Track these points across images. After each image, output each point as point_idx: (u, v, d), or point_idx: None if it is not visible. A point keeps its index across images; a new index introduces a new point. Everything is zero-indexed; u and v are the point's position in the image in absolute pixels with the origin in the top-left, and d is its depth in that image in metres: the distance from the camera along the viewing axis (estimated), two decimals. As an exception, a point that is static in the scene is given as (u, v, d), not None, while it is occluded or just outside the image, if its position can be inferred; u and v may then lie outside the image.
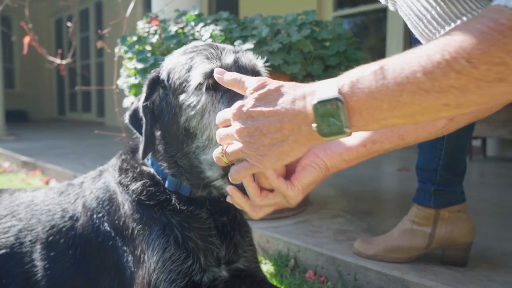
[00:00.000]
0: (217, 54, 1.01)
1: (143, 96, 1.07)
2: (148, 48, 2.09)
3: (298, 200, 0.92)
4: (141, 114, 1.05)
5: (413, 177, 3.58)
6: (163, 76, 1.08)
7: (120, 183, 1.20)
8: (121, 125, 2.20)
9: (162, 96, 1.09)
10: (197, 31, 1.97)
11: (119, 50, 2.21)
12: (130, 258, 1.15)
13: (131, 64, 2.11)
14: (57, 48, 13.27)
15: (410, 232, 1.59)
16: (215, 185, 1.06)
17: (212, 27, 1.94)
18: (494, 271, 1.52)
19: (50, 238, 1.30)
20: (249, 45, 1.82)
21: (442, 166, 1.52)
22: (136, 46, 2.14)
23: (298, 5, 6.62)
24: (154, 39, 2.02)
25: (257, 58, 1.07)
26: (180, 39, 1.94)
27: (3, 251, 1.34)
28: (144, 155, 1.08)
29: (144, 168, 1.19)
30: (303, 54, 1.91)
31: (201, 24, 2.00)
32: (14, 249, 1.34)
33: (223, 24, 1.98)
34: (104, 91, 11.41)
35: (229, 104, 0.94)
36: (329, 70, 1.97)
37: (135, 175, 1.18)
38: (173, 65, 1.07)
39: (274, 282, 1.68)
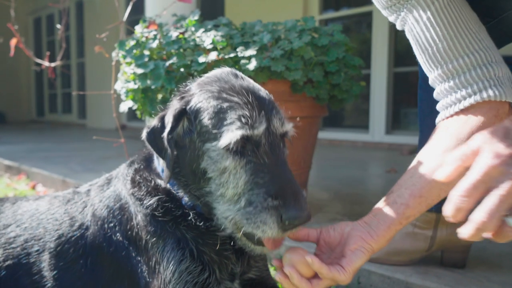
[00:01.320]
0: (251, 116, 0.96)
1: (168, 126, 1.02)
2: (147, 52, 2.08)
3: (349, 282, 1.00)
4: (165, 144, 1.02)
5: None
6: (191, 111, 1.04)
7: (133, 195, 1.19)
8: (116, 128, 2.17)
9: (186, 130, 1.05)
10: (198, 37, 1.97)
11: (117, 54, 2.19)
12: (144, 268, 1.15)
13: (130, 69, 2.10)
14: (35, 48, 12.95)
15: (412, 235, 1.63)
16: (230, 234, 1.06)
17: (213, 32, 1.94)
18: (492, 272, 1.58)
19: (59, 248, 1.28)
20: (252, 51, 1.84)
21: None
22: (134, 51, 2.13)
23: (284, 8, 6.68)
24: (154, 44, 2.01)
25: (285, 119, 1.05)
26: (181, 45, 1.94)
27: (9, 261, 1.31)
28: (167, 182, 1.07)
29: (159, 181, 1.16)
30: (304, 60, 1.93)
31: (202, 30, 2.00)
32: (21, 259, 1.32)
33: (224, 30, 1.98)
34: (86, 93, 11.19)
35: (252, 175, 0.95)
36: (329, 76, 2.01)
37: (149, 189, 1.16)
38: (203, 106, 1.02)
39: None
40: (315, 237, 1.13)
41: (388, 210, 1.07)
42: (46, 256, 1.30)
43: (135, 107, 2.27)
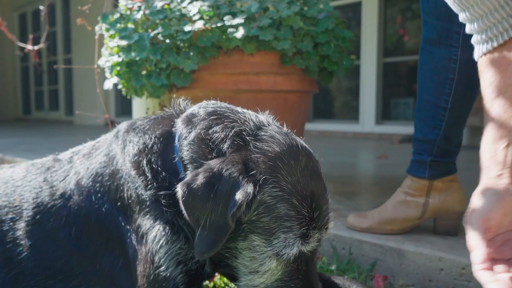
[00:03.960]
0: (310, 234, 0.95)
1: (236, 205, 0.89)
2: (131, 26, 2.02)
3: None
4: (229, 222, 0.90)
5: (393, 163, 3.65)
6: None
7: (137, 176, 1.08)
8: (104, 124, 2.10)
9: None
10: (184, 7, 1.92)
11: (100, 28, 2.12)
12: (133, 236, 1.09)
13: (113, 43, 2.03)
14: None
15: (404, 203, 1.60)
16: None
17: (200, 2, 1.89)
18: (485, 239, 1.55)
19: (38, 216, 1.21)
20: (239, 19, 1.79)
21: (441, 137, 1.52)
22: (118, 25, 2.06)
23: None
24: (139, 15, 1.94)
25: (332, 225, 1.02)
26: (167, 15, 1.88)
27: None
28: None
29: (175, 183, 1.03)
30: (293, 31, 1.89)
31: (188, 0, 1.95)
32: None
33: (210, 0, 1.93)
34: (73, 90, 11.03)
35: (287, 278, 0.97)
36: (318, 48, 1.97)
37: (166, 183, 1.05)
38: (270, 203, 0.93)
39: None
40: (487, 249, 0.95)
41: None
42: (22, 225, 1.23)
43: (120, 86, 2.20)
